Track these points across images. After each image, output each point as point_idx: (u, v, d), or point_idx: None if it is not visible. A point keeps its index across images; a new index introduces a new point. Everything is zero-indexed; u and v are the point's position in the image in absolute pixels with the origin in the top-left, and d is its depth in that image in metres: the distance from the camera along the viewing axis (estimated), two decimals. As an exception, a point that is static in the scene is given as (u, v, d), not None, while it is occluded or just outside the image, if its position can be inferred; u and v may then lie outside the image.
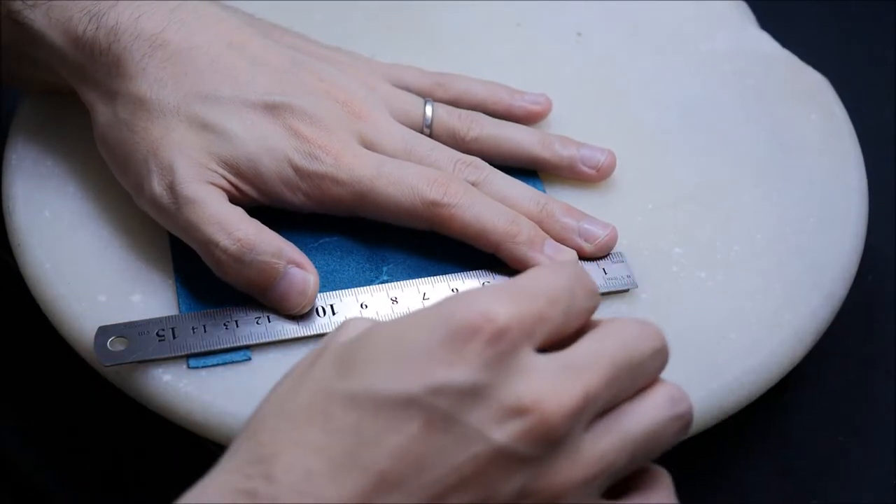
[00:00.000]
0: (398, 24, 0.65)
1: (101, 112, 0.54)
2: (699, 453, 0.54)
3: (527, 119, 0.60)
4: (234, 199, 0.53)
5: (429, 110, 0.58)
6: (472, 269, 0.54)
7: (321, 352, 0.41)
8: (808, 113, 0.62)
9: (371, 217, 0.54)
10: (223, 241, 0.50)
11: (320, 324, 0.51)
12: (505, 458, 0.38)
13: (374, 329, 0.41)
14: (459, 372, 0.38)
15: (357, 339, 0.41)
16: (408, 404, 0.38)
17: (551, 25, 0.66)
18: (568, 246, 0.54)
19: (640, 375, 0.42)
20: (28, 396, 0.57)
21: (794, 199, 0.58)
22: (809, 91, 0.63)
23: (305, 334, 0.51)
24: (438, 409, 0.38)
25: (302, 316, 0.51)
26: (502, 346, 0.39)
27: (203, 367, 0.50)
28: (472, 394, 0.38)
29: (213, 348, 0.50)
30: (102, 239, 0.55)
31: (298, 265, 0.51)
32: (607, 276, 0.54)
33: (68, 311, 0.52)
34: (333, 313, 0.52)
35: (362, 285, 0.53)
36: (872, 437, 0.57)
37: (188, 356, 0.50)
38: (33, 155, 0.58)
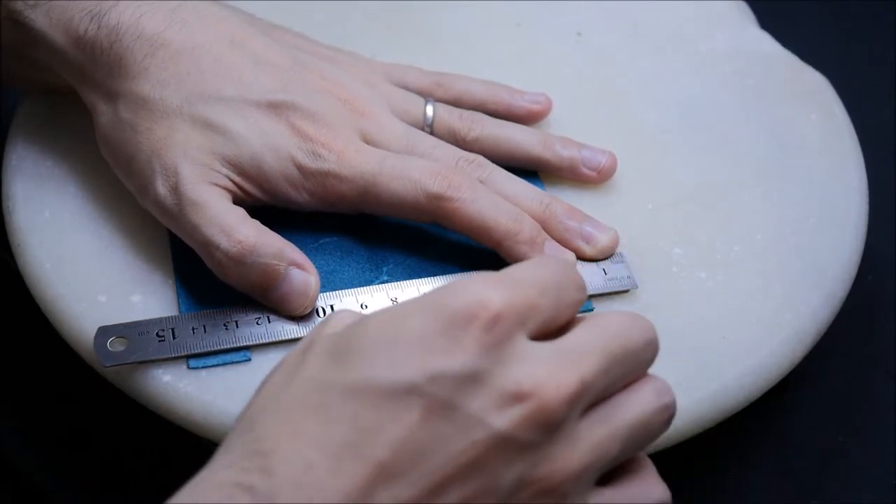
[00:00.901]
0: (398, 24, 0.65)
1: (103, 112, 0.54)
2: (699, 453, 0.54)
3: (527, 119, 0.60)
4: (238, 199, 0.53)
5: (429, 110, 0.58)
6: (471, 270, 0.54)
7: (309, 345, 0.41)
8: (808, 113, 0.62)
9: (376, 212, 0.54)
10: (224, 243, 0.50)
11: (320, 324, 0.51)
12: (505, 445, 0.38)
13: (368, 319, 0.40)
14: (458, 358, 0.38)
15: (349, 330, 0.40)
16: (407, 393, 0.38)
17: (551, 25, 0.66)
18: (569, 248, 0.54)
19: (632, 366, 0.42)
20: (28, 396, 0.57)
21: (794, 199, 0.58)
22: (809, 91, 0.63)
23: (305, 335, 0.51)
24: (438, 397, 0.38)
25: (302, 316, 0.51)
26: (498, 332, 0.39)
27: (203, 367, 0.50)
28: (471, 380, 0.38)
29: (212, 349, 0.50)
30: (102, 239, 0.55)
31: (299, 266, 0.51)
32: (607, 276, 0.54)
33: (68, 311, 0.52)
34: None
35: (362, 285, 0.53)
36: (872, 437, 0.57)
37: (188, 356, 0.50)
38: (33, 155, 0.58)
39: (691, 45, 0.65)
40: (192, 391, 0.50)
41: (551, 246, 0.53)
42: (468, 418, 0.38)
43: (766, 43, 0.65)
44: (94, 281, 0.53)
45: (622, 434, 0.41)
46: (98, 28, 0.53)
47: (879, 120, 0.70)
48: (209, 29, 0.54)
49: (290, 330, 0.51)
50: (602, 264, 0.54)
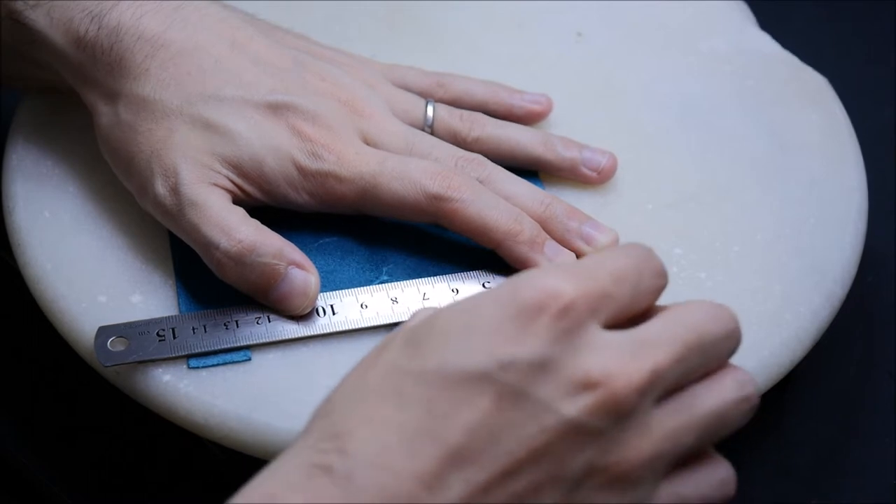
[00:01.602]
0: (399, 24, 0.65)
1: (104, 113, 0.54)
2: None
3: (527, 119, 0.60)
4: (237, 200, 0.53)
5: (430, 110, 0.58)
6: (472, 270, 0.54)
7: (390, 339, 0.42)
8: (808, 113, 0.62)
9: (376, 214, 0.54)
10: (223, 243, 0.50)
11: (320, 324, 0.51)
12: (574, 432, 0.39)
13: (441, 311, 0.42)
14: (528, 347, 0.39)
15: (425, 322, 0.41)
16: (479, 379, 0.39)
17: (551, 25, 0.66)
18: (569, 248, 0.54)
19: (710, 357, 0.42)
20: (28, 396, 0.57)
21: (794, 199, 0.58)
22: (809, 91, 0.63)
23: (305, 334, 0.51)
24: (508, 384, 0.39)
25: (302, 316, 0.51)
26: (569, 321, 0.40)
27: (203, 367, 0.50)
28: (541, 368, 0.39)
29: (213, 348, 0.50)
30: (102, 239, 0.55)
31: (299, 266, 0.51)
32: (607, 276, 0.54)
33: (68, 311, 0.52)
34: (334, 313, 0.52)
35: (362, 285, 0.53)
36: (872, 437, 0.57)
37: (188, 356, 0.50)
38: (33, 155, 0.58)
39: (691, 45, 0.65)
40: (193, 391, 0.50)
41: (551, 246, 0.53)
42: (538, 405, 0.39)
43: (766, 43, 0.65)
44: (94, 281, 0.53)
45: (698, 424, 0.41)
46: (98, 28, 0.53)
47: (879, 120, 0.70)
48: (210, 30, 0.54)
49: (290, 330, 0.51)
50: (602, 264, 0.54)
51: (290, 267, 0.51)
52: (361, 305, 0.52)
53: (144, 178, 0.52)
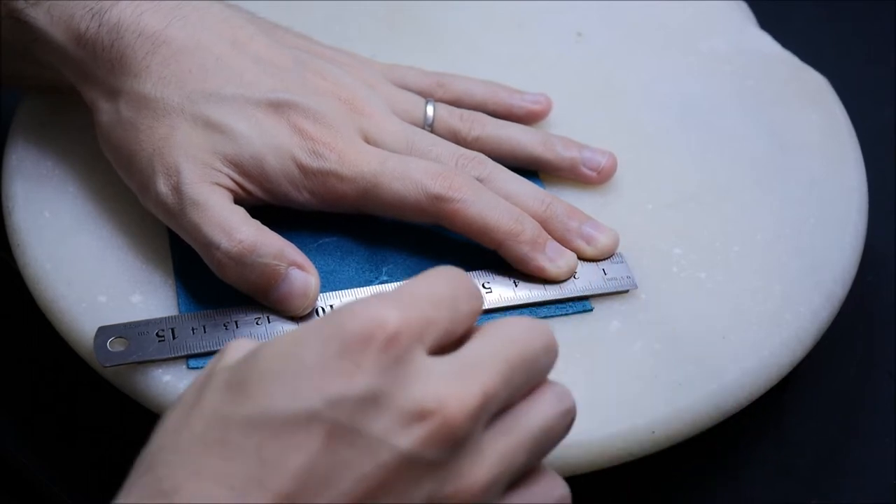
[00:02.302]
0: (399, 24, 0.65)
1: (104, 111, 0.54)
2: (699, 453, 0.54)
3: (527, 119, 0.60)
4: (239, 199, 0.53)
5: (430, 110, 0.58)
6: (471, 270, 0.54)
7: (207, 379, 0.40)
8: (808, 113, 0.62)
9: (376, 213, 0.54)
10: (224, 243, 0.50)
11: (320, 324, 0.51)
12: (411, 465, 0.38)
13: (262, 348, 0.39)
14: (357, 381, 0.38)
15: (245, 361, 0.39)
16: (308, 420, 0.37)
17: (551, 25, 0.66)
18: (569, 248, 0.54)
19: (533, 373, 0.41)
20: (28, 396, 0.57)
21: (794, 199, 0.58)
22: (809, 91, 0.63)
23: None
24: (339, 422, 0.37)
25: (301, 317, 0.51)
26: (396, 350, 0.38)
27: (203, 367, 0.50)
28: (372, 402, 0.38)
29: (212, 349, 0.50)
30: (102, 239, 0.55)
31: (299, 266, 0.51)
32: (607, 276, 0.54)
33: (68, 311, 0.52)
34: (334, 313, 0.52)
35: (362, 286, 0.53)
36: (872, 437, 0.57)
37: (188, 357, 0.50)
38: (33, 155, 0.58)
39: (691, 45, 0.65)
40: (192, 391, 0.50)
41: (552, 246, 0.53)
42: (372, 440, 0.37)
43: (766, 43, 0.65)
44: (94, 281, 0.53)
45: (527, 442, 0.40)
46: (99, 26, 0.53)
47: (879, 120, 0.70)
48: (211, 28, 0.54)
49: (289, 330, 0.51)
50: (602, 264, 0.54)
51: (290, 268, 0.51)
52: (361, 305, 0.52)
53: (146, 177, 0.52)
